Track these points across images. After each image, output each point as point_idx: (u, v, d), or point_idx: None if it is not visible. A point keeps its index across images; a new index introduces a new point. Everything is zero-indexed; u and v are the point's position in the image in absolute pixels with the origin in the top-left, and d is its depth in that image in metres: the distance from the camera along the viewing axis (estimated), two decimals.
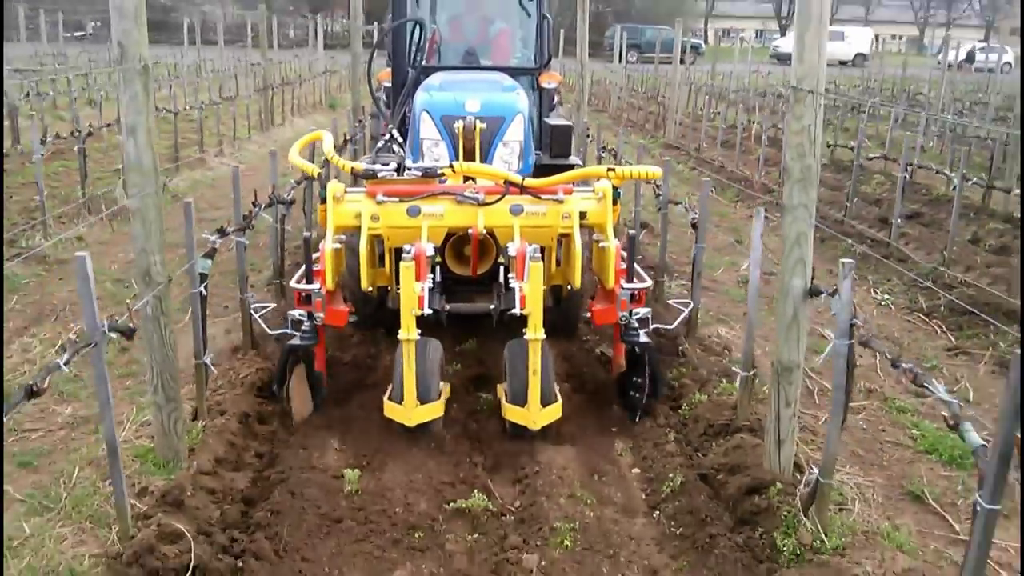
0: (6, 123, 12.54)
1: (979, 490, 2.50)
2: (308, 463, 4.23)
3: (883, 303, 7.11)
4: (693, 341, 5.70)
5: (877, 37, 49.94)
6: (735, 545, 3.64)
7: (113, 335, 3.24)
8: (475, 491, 3.98)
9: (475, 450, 4.49)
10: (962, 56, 36.07)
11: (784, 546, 3.52)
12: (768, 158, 12.76)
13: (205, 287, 4.50)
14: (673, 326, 5.47)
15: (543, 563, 3.51)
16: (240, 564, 3.42)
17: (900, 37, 64.72)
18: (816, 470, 3.57)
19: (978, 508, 2.49)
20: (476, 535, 3.75)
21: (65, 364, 2.94)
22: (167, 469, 3.98)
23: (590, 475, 4.27)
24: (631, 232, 5.10)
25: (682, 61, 23.89)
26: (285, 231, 6.83)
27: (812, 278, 3.73)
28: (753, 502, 3.85)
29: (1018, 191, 9.34)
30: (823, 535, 3.52)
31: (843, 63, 38.23)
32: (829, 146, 11.67)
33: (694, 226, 5.74)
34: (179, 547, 3.36)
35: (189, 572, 3.27)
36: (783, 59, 29.62)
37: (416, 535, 3.70)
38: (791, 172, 3.61)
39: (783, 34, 56.26)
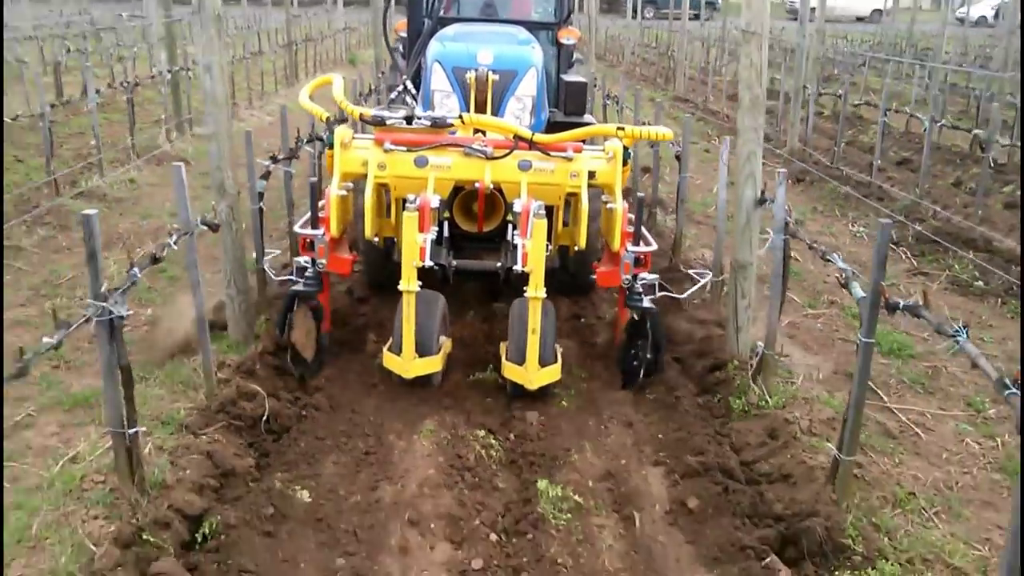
0: (49, 78, 13.48)
1: (860, 329, 3.40)
2: (351, 346, 5.19)
3: (857, 235, 7.96)
4: (678, 260, 6.56)
5: None
6: (697, 405, 4.58)
7: (203, 227, 4.18)
8: (489, 367, 4.91)
9: (488, 341, 5.39)
10: (984, 12, 36.17)
11: (735, 406, 4.45)
12: (770, 109, 13.49)
13: (262, 204, 5.40)
14: (684, 296, 5.49)
15: (542, 418, 4.44)
16: (304, 414, 4.39)
17: None
18: (762, 345, 4.49)
19: (858, 343, 3.39)
20: (489, 399, 4.70)
21: (162, 253, 3.82)
22: (238, 349, 4.94)
23: (584, 358, 5.20)
24: (639, 195, 5.09)
25: (697, 16, 24.45)
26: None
27: (763, 191, 4.60)
28: (714, 376, 4.79)
29: (1000, 140, 10.05)
30: (767, 396, 4.44)
31: (860, 18, 38.34)
32: (821, 94, 12.37)
33: (677, 157, 6.56)
34: (255, 403, 4.32)
35: (264, 419, 4.23)
36: (796, 15, 29.97)
37: (443, 398, 4.65)
38: (742, 101, 4.47)
39: None
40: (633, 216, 4.86)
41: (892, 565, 3.21)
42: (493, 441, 4.20)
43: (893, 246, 7.55)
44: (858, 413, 3.43)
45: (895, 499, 3.72)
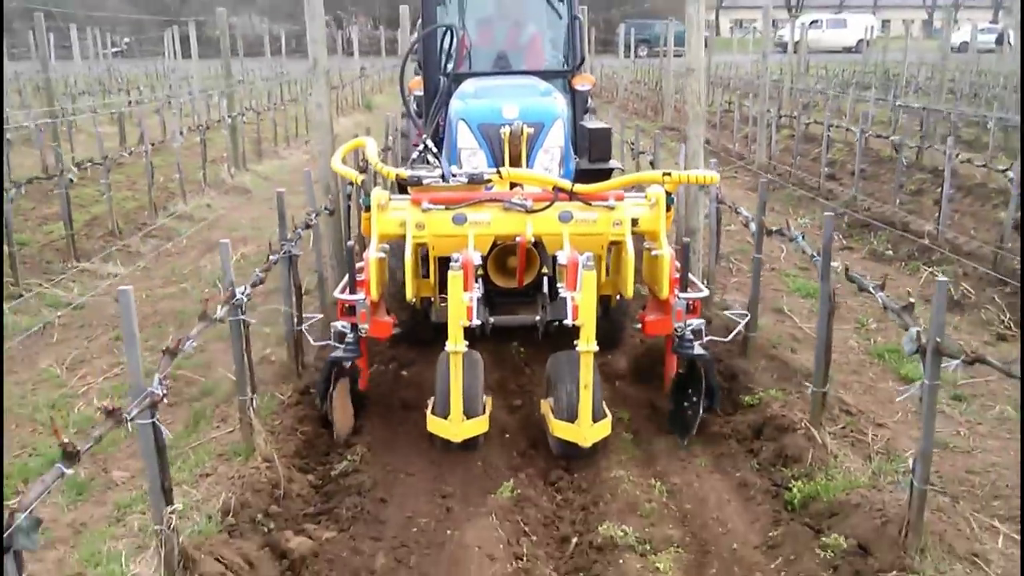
0: (114, 128, 15.79)
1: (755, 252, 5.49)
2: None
3: (800, 222, 10.06)
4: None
5: (886, 22, 52.74)
6: None
7: (324, 211, 6.29)
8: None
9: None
10: (965, 38, 38.66)
11: None
12: (750, 136, 15.70)
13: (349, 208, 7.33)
14: (728, 339, 5.32)
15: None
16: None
17: (912, 21, 67.02)
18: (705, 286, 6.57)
19: (755, 259, 5.48)
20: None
21: (292, 242, 5.83)
22: None
23: None
24: (685, 240, 5.18)
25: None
26: None
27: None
28: None
29: (908, 143, 12.20)
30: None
31: (847, 49, 41.00)
32: (781, 117, 14.58)
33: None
34: None
35: None
36: (785, 48, 32.61)
37: None
38: (690, 115, 6.60)
39: (790, 15, 58.94)
40: (679, 262, 4.87)
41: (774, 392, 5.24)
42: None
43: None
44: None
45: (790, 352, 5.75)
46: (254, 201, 11.95)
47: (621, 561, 3.63)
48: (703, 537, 3.94)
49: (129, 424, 2.89)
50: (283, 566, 3.69)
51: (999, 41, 34.43)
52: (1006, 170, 8.42)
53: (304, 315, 5.48)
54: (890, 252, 8.67)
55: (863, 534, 3.69)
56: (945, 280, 3.33)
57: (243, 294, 4.22)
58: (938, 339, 3.26)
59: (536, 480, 4.45)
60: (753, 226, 5.55)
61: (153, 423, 3.13)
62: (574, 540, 3.92)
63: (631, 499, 4.14)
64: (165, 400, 3.17)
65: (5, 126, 12.45)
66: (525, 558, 3.75)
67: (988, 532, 3.88)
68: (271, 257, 5.03)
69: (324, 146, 6.82)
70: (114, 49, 47.28)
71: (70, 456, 2.48)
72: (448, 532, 3.93)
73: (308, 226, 5.76)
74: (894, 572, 3.44)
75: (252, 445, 4.42)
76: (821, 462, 4.32)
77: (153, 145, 11.97)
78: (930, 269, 7.97)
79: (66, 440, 2.50)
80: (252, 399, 4.48)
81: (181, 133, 11.41)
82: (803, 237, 5.04)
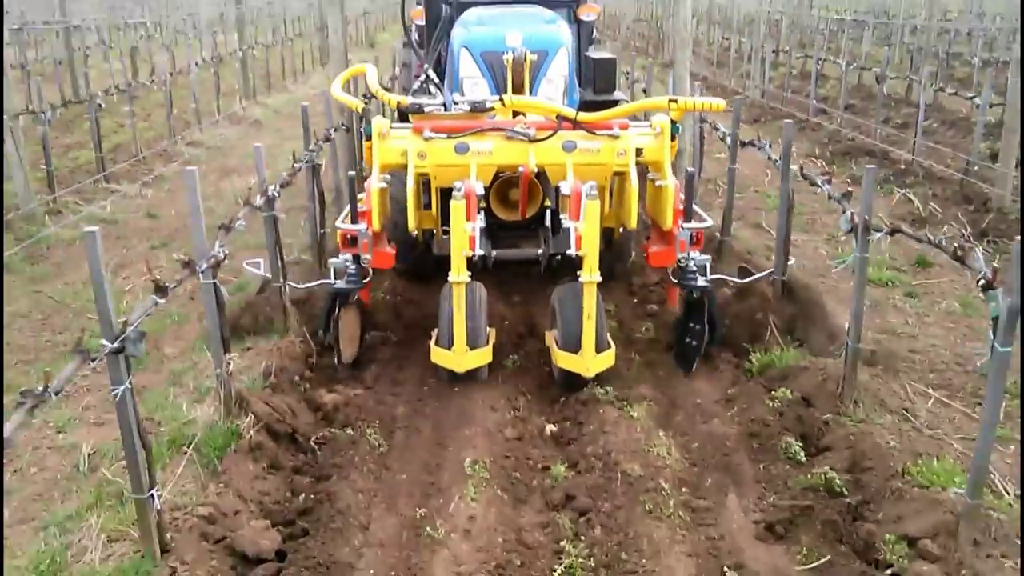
0: (127, 60, 16.27)
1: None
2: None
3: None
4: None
5: None
6: None
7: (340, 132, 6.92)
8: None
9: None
10: None
11: None
12: (746, 72, 16.16)
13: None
14: (744, 282, 5.38)
15: None
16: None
17: None
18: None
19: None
20: None
21: (315, 151, 6.48)
22: None
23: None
24: (689, 170, 5.02)
25: None
26: None
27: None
28: None
29: (889, 75, 12.69)
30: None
31: None
32: (785, 52, 15.05)
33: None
34: None
35: None
36: None
37: None
38: (676, 41, 7.18)
39: None
40: (683, 194, 4.79)
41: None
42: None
43: (815, 159, 10.28)
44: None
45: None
46: (265, 131, 12.51)
47: (601, 411, 4.35)
48: (672, 395, 4.67)
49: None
50: (319, 415, 4.41)
51: None
52: (973, 97, 9.00)
53: (326, 221, 6.14)
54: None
55: (807, 389, 4.41)
56: (873, 167, 3.97)
57: (274, 190, 4.87)
58: (867, 216, 3.93)
59: (533, 356, 5.14)
60: (730, 139, 6.18)
61: (215, 283, 3.82)
62: (562, 399, 4.63)
63: (613, 369, 4.81)
64: (226, 260, 3.85)
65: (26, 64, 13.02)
66: (521, 410, 4.48)
67: (920, 396, 4.59)
68: (296, 164, 5.65)
69: (340, 68, 7.42)
70: None
71: (161, 290, 3.17)
72: (457, 390, 4.64)
73: (328, 139, 6.40)
74: (829, 415, 4.17)
75: (286, 325, 5.11)
76: (777, 340, 5.03)
77: (173, 74, 12.56)
78: (903, 191, 8.60)
79: (157, 277, 3.19)
80: (285, 285, 5.16)
81: (196, 64, 11.94)
82: (769, 145, 5.66)
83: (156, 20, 23.47)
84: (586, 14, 6.55)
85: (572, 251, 4.32)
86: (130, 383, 2.98)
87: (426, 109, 4.79)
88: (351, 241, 4.74)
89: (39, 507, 3.67)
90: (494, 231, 5.08)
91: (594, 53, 6.30)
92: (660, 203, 4.91)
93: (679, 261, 4.78)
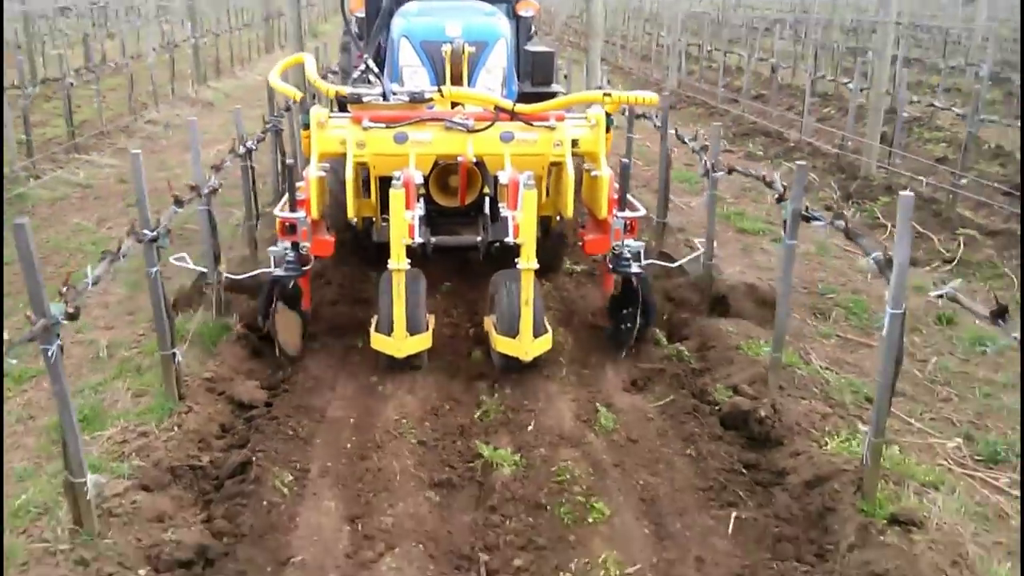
0: (78, 46, 17.04)
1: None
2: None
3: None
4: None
5: None
6: None
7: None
8: None
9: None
10: None
11: None
12: (667, 66, 17.61)
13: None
14: (676, 264, 5.64)
15: None
16: None
17: None
18: None
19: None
20: None
21: (278, 118, 7.60)
22: None
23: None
24: (624, 160, 5.19)
25: None
26: None
27: (601, 84, 8.59)
28: None
29: (783, 65, 14.23)
30: None
31: None
32: (696, 45, 16.54)
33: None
34: None
35: None
36: None
37: None
38: (591, 32, 8.47)
39: None
40: (618, 184, 4.96)
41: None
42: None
43: (725, 141, 11.68)
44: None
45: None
46: (217, 112, 13.48)
47: None
48: (570, 305, 5.90)
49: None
50: None
51: None
52: (848, 83, 10.50)
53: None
54: (761, 153, 10.73)
55: (678, 296, 5.71)
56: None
57: (252, 144, 5.97)
58: (713, 162, 5.24)
59: (463, 283, 6.31)
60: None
61: (208, 210, 4.93)
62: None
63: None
64: (219, 191, 4.98)
65: None
66: (455, 318, 5.66)
67: (768, 306, 5.89)
68: (266, 127, 6.78)
69: (297, 49, 8.55)
70: None
71: (179, 203, 4.30)
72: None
73: (288, 109, 7.52)
74: (688, 314, 5.47)
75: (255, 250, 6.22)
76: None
77: (134, 57, 13.44)
78: (788, 164, 10.03)
79: (176, 193, 4.32)
80: (256, 224, 6.27)
81: (154, 50, 12.88)
82: (657, 114, 6.95)
83: (101, 7, 24.05)
84: (525, 10, 6.77)
85: (510, 239, 4.52)
86: (159, 267, 4.10)
87: (365, 99, 4.89)
88: (290, 229, 4.80)
89: (72, 379, 4.74)
90: (433, 218, 5.16)
91: (532, 47, 6.54)
92: (595, 192, 5.08)
93: (613, 248, 4.97)
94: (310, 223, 4.80)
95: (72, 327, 5.37)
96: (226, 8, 23.65)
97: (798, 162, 4.32)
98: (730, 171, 5.18)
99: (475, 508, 3.76)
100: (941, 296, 3.06)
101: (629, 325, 4.97)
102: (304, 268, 4.92)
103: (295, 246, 4.81)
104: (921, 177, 8.64)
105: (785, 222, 4.28)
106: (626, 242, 4.94)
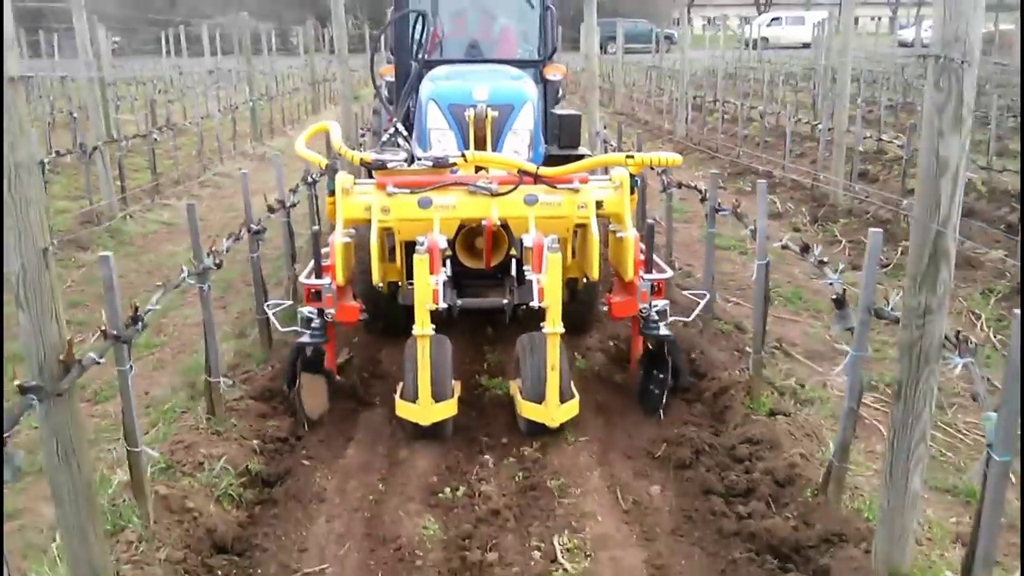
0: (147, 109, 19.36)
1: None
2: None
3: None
4: None
5: (856, 19, 57.81)
6: None
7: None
8: None
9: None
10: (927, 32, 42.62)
11: None
12: (691, 119, 19.43)
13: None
14: (691, 318, 5.69)
15: None
16: None
17: (878, 19, 71.27)
18: None
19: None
20: None
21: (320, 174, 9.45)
22: None
23: None
24: (649, 222, 5.27)
25: (657, 50, 30.67)
26: None
27: (598, 129, 10.36)
28: None
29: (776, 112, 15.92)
30: None
31: (805, 45, 45.11)
32: (694, 98, 18.40)
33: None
34: None
35: None
36: (748, 44, 36.74)
37: None
38: (590, 86, 10.26)
39: (759, 13, 63.34)
40: (644, 244, 5.02)
41: None
42: None
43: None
44: None
45: None
46: (271, 165, 15.50)
47: None
48: None
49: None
50: None
51: None
52: (817, 124, 12.18)
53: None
54: (749, 188, 12.41)
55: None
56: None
57: (290, 204, 7.48)
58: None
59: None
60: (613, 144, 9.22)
61: (254, 257, 6.60)
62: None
63: None
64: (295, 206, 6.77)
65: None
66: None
67: (728, 301, 7.52)
68: (309, 180, 8.52)
69: (346, 108, 10.46)
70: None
71: (272, 209, 6.10)
72: None
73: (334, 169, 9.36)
74: None
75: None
76: None
77: (204, 118, 15.52)
78: (771, 196, 11.69)
79: (273, 202, 6.11)
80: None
81: (219, 112, 15.01)
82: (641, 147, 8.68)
83: (164, 76, 26.70)
84: (552, 74, 7.00)
85: (535, 303, 4.56)
86: (257, 254, 5.87)
87: (389, 165, 4.99)
88: (315, 295, 4.96)
89: (182, 352, 6.53)
90: (460, 280, 5.27)
91: (559, 110, 6.72)
92: (621, 254, 5.14)
93: (641, 311, 5.03)
94: (335, 289, 4.93)
95: (183, 314, 7.24)
96: (274, 76, 26.17)
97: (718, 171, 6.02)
98: (679, 185, 6.85)
99: None
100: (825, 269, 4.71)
101: (658, 389, 5.07)
102: (328, 335, 5.12)
103: (320, 312, 4.98)
104: (875, 202, 10.24)
105: (707, 215, 5.97)
106: (653, 303, 5.03)
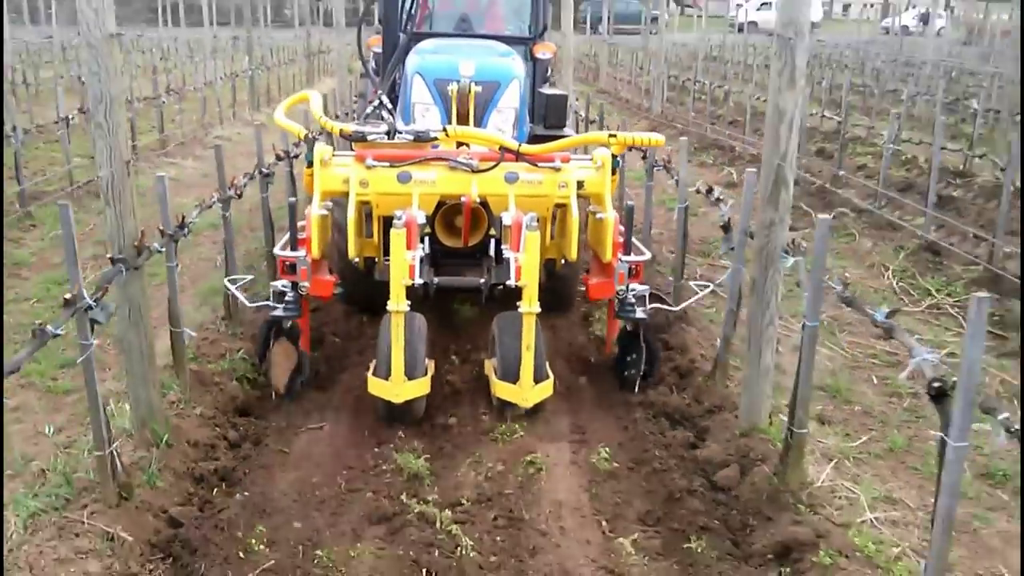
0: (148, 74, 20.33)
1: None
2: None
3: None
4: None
5: (847, 6, 58.98)
6: None
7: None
8: None
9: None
10: (908, 22, 43.45)
11: None
12: (669, 98, 20.50)
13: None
14: (679, 308, 5.79)
15: None
16: None
17: (871, 5, 72.25)
18: None
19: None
20: None
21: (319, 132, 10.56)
22: None
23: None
24: (629, 203, 5.30)
25: (652, 32, 31.67)
26: None
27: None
28: None
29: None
30: None
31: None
32: (669, 78, 19.50)
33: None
34: None
35: None
36: (740, 28, 37.75)
37: None
38: (561, 64, 11.37)
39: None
40: (623, 226, 4.98)
41: None
42: None
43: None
44: None
45: None
46: (269, 132, 16.54)
47: None
48: None
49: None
50: None
51: (924, 21, 39.48)
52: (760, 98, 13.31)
53: None
54: (710, 160, 13.56)
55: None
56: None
57: (293, 155, 8.56)
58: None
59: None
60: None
61: (264, 196, 7.77)
62: None
63: None
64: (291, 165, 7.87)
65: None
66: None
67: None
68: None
69: (341, 79, 11.53)
70: None
71: (280, 157, 7.20)
72: None
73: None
74: None
75: None
76: None
77: (206, 84, 16.52)
78: (729, 167, 12.87)
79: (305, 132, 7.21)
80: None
81: (220, 79, 16.04)
82: (602, 118, 9.80)
83: (162, 45, 27.63)
84: (542, 52, 6.88)
85: (512, 281, 4.54)
86: (267, 194, 6.97)
87: (369, 137, 4.94)
88: (290, 268, 4.89)
89: (198, 280, 7.63)
90: (437, 258, 5.23)
91: (547, 89, 6.64)
92: (600, 235, 5.11)
93: (618, 293, 5.04)
94: (310, 263, 4.89)
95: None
96: (270, 48, 27.15)
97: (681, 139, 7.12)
98: (667, 167, 7.95)
99: None
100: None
101: (632, 372, 5.18)
102: (302, 309, 5.08)
103: (294, 286, 4.93)
104: (815, 171, 11.40)
105: (646, 171, 7.10)
106: (631, 286, 5.04)
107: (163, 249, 4.41)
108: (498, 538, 3.86)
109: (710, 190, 5.60)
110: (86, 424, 4.35)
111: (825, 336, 6.28)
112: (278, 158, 7.39)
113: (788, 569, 3.61)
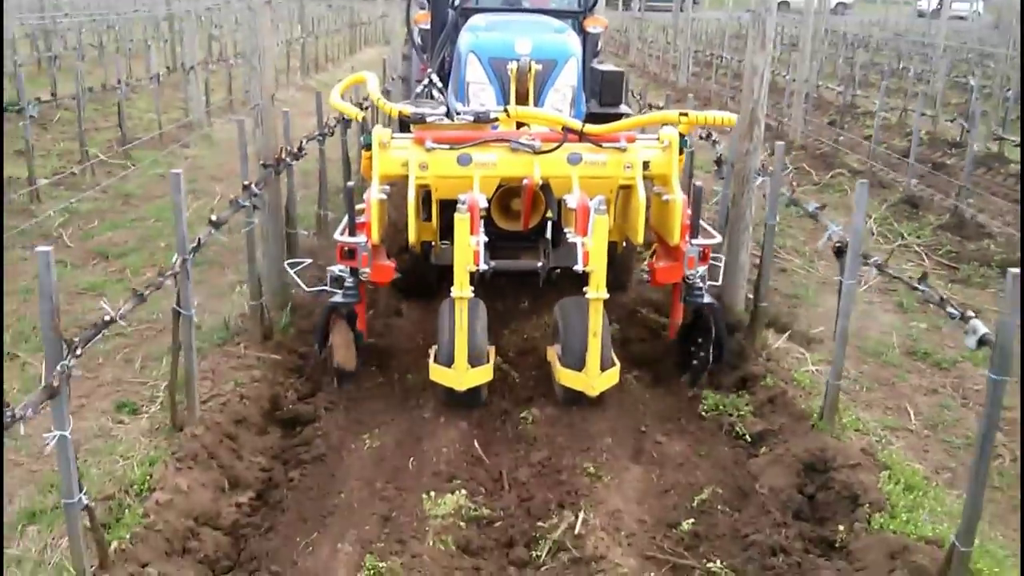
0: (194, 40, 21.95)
1: None
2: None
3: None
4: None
5: None
6: None
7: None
8: None
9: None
10: (934, 4, 44.14)
11: None
12: (695, 72, 21.84)
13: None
14: (719, 282, 5.77)
15: None
16: None
17: None
18: None
19: None
20: None
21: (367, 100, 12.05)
22: None
23: None
24: (697, 184, 5.16)
25: (681, 9, 32.91)
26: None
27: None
28: None
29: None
30: None
31: (831, 11, 47.08)
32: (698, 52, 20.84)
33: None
34: None
35: None
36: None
37: None
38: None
39: None
40: (691, 208, 4.89)
41: None
42: None
43: None
44: None
45: None
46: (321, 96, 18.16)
47: None
48: None
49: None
50: None
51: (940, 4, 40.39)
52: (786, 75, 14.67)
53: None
54: (728, 130, 14.95)
55: None
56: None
57: (332, 127, 9.75)
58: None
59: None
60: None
61: (321, 150, 9.30)
62: None
63: None
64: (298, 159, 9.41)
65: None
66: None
67: None
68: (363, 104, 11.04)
69: (383, 48, 12.99)
70: None
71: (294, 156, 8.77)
72: None
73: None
74: None
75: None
76: None
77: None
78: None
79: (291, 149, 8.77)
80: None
81: (277, 45, 17.62)
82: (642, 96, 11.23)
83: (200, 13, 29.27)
84: (593, 26, 6.66)
85: (579, 267, 4.45)
86: (322, 148, 8.50)
87: (428, 119, 4.91)
88: (348, 254, 4.82)
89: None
90: (493, 241, 5.02)
91: (601, 66, 6.56)
92: (667, 218, 4.93)
93: (686, 278, 4.94)
94: (371, 248, 4.80)
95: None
96: (311, 17, 28.77)
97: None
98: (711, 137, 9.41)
99: None
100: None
101: (700, 359, 5.08)
102: (362, 296, 5.05)
103: (353, 272, 4.89)
104: (822, 139, 12.79)
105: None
106: (698, 269, 4.95)
107: (280, 172, 5.92)
108: None
109: (708, 134, 7.08)
110: (226, 295, 5.89)
111: (805, 264, 7.81)
112: (336, 122, 8.22)
113: (746, 392, 5.13)
